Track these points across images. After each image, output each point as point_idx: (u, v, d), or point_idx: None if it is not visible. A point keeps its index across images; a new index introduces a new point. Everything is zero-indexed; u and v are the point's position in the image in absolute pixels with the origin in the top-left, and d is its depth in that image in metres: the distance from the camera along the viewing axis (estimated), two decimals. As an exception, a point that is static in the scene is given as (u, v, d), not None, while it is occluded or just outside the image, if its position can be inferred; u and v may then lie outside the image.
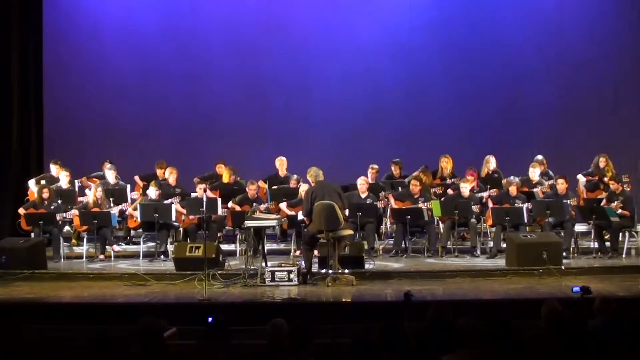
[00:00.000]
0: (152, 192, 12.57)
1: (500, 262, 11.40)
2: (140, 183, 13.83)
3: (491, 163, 13.46)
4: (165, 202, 12.46)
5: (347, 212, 10.90)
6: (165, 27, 15.80)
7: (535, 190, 12.78)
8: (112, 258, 12.38)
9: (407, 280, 10.33)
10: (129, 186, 13.63)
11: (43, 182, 13.37)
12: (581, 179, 13.48)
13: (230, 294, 9.57)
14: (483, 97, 15.44)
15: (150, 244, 12.61)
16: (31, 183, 13.59)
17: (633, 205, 12.07)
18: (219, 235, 12.73)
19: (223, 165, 13.75)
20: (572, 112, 15.33)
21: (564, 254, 11.38)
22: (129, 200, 13.10)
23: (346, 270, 10.31)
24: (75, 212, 12.60)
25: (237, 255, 12.39)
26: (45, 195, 12.58)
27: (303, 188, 12.26)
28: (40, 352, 5.40)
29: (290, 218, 12.18)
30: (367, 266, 10.87)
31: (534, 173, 13.04)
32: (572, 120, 15.29)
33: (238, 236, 12.52)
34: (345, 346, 4.92)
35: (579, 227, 12.53)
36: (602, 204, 12.10)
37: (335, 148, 15.07)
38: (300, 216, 11.57)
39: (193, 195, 12.96)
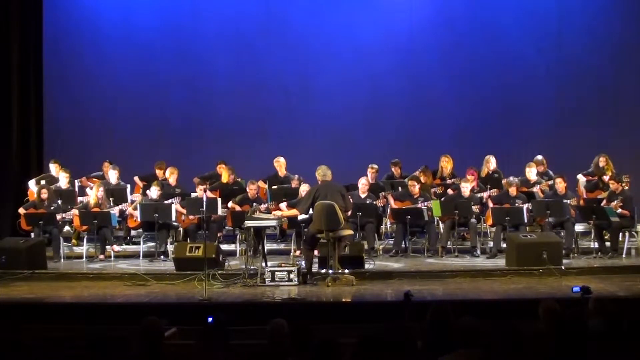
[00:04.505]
0: (154, 192, 12.56)
1: (500, 262, 11.40)
2: (140, 183, 13.83)
3: (491, 163, 13.46)
4: (166, 202, 12.46)
5: (349, 213, 10.91)
6: (165, 27, 15.80)
7: (534, 189, 12.78)
8: (112, 258, 12.38)
9: (407, 280, 10.34)
10: (129, 186, 13.64)
11: (43, 182, 13.38)
12: (581, 179, 13.48)
13: (230, 294, 9.58)
14: (483, 97, 15.45)
15: (150, 244, 12.62)
16: (31, 183, 13.59)
17: (633, 205, 12.08)
18: (219, 235, 12.74)
19: (223, 165, 13.75)
20: (572, 112, 15.33)
21: (566, 253, 11.40)
22: (129, 201, 13.10)
23: (346, 270, 10.31)
24: (75, 212, 12.61)
25: (237, 255, 12.39)
26: (44, 195, 12.58)
27: (304, 188, 12.26)
28: (40, 353, 5.40)
29: (290, 218, 12.17)
30: (367, 266, 10.88)
31: (531, 173, 13.05)
32: (572, 120, 15.28)
33: (238, 236, 12.53)
34: (346, 346, 4.91)
35: (579, 227, 12.54)
36: (602, 204, 12.11)
37: (335, 148, 15.06)
38: (300, 217, 11.53)
39: (193, 195, 12.97)
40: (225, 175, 13.53)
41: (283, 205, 12.43)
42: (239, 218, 11.82)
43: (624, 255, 11.88)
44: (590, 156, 13.63)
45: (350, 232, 10.60)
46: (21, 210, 12.75)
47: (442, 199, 12.62)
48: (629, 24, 15.36)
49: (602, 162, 13.22)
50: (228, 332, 5.56)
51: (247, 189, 12.90)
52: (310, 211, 10.49)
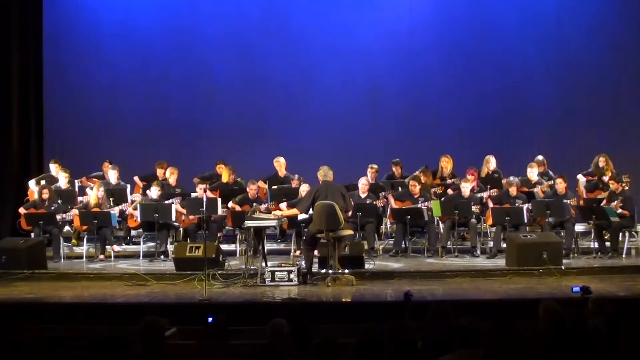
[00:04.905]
0: (154, 192, 12.56)
1: (500, 262, 11.40)
2: (140, 183, 13.84)
3: (491, 163, 13.46)
4: (166, 202, 12.46)
5: (349, 213, 10.90)
6: (165, 27, 15.81)
7: (535, 190, 12.78)
8: (112, 258, 12.38)
9: (407, 280, 10.34)
10: (129, 186, 13.64)
11: (43, 182, 13.38)
12: (581, 179, 13.48)
13: (230, 294, 9.57)
14: (483, 97, 15.45)
15: (150, 244, 12.62)
16: (31, 183, 13.59)
17: (633, 205, 12.08)
18: (219, 235, 12.73)
19: (223, 165, 13.75)
20: (572, 112, 15.33)
21: (566, 253, 11.40)
22: (129, 201, 13.10)
23: (346, 270, 10.31)
24: (75, 212, 12.60)
25: (237, 255, 12.39)
26: (45, 195, 12.58)
27: (304, 188, 12.26)
28: (40, 353, 5.40)
29: (290, 218, 12.16)
30: (367, 266, 10.88)
31: (532, 173, 13.05)
32: (572, 120, 15.29)
33: (238, 236, 12.53)
34: (346, 346, 4.91)
35: (579, 227, 12.55)
36: (602, 204, 12.10)
37: (335, 148, 15.07)
38: (300, 217, 11.52)
39: (193, 195, 12.97)
40: (225, 175, 13.53)
41: (283, 205, 12.42)
42: (239, 218, 11.81)
43: (624, 255, 11.88)
44: (590, 156, 13.63)
45: (350, 232, 10.60)
46: (21, 210, 12.75)
47: (442, 199, 12.61)
48: (629, 24, 15.36)
49: (602, 162, 13.22)
50: (228, 332, 5.56)
51: (247, 189, 12.90)
52: (311, 211, 10.50)
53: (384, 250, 12.60)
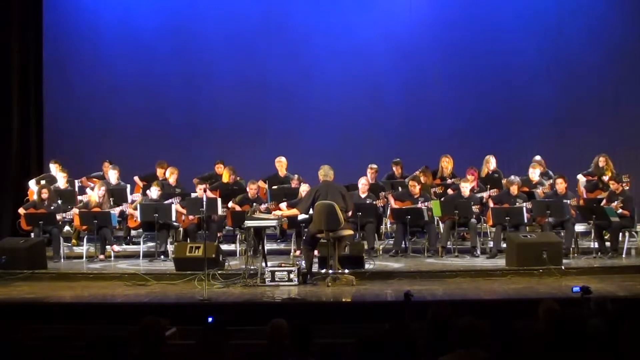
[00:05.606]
0: (154, 192, 12.56)
1: (500, 262, 11.40)
2: (140, 183, 13.84)
3: (491, 163, 13.46)
4: (166, 202, 12.46)
5: (350, 213, 10.90)
6: (165, 27, 15.82)
7: (536, 191, 12.78)
8: (112, 258, 12.38)
9: (407, 280, 10.34)
10: (129, 186, 13.64)
11: (43, 182, 13.38)
12: (581, 179, 13.49)
13: (230, 294, 9.57)
14: (483, 97, 15.45)
15: (150, 244, 12.61)
16: (31, 183, 13.60)
17: (633, 205, 12.07)
18: (219, 235, 12.73)
19: (222, 165, 13.76)
20: (572, 112, 15.34)
21: (565, 253, 11.40)
22: (129, 201, 13.11)
23: (346, 270, 10.31)
24: (75, 211, 12.60)
25: (237, 255, 12.39)
26: (45, 195, 12.58)
27: (304, 188, 12.26)
28: (40, 352, 5.40)
29: (290, 218, 12.16)
30: (367, 266, 10.88)
31: (534, 174, 13.04)
32: (572, 121, 15.29)
33: (238, 236, 12.53)
34: (345, 346, 4.92)
35: (579, 227, 12.55)
36: (602, 204, 12.10)
37: (335, 148, 15.05)
38: (300, 217, 11.52)
39: (193, 195, 12.97)
40: (226, 175, 13.54)
41: (283, 205, 12.42)
42: (239, 218, 11.82)
43: (624, 255, 11.88)
44: (590, 156, 13.63)
45: (351, 232, 10.60)
46: (21, 210, 12.74)
47: (442, 199, 12.61)
48: (629, 24, 15.36)
49: (601, 162, 13.22)
50: (228, 332, 5.55)
51: (247, 189, 12.90)
52: (311, 211, 10.50)
53: (384, 250, 12.60)
